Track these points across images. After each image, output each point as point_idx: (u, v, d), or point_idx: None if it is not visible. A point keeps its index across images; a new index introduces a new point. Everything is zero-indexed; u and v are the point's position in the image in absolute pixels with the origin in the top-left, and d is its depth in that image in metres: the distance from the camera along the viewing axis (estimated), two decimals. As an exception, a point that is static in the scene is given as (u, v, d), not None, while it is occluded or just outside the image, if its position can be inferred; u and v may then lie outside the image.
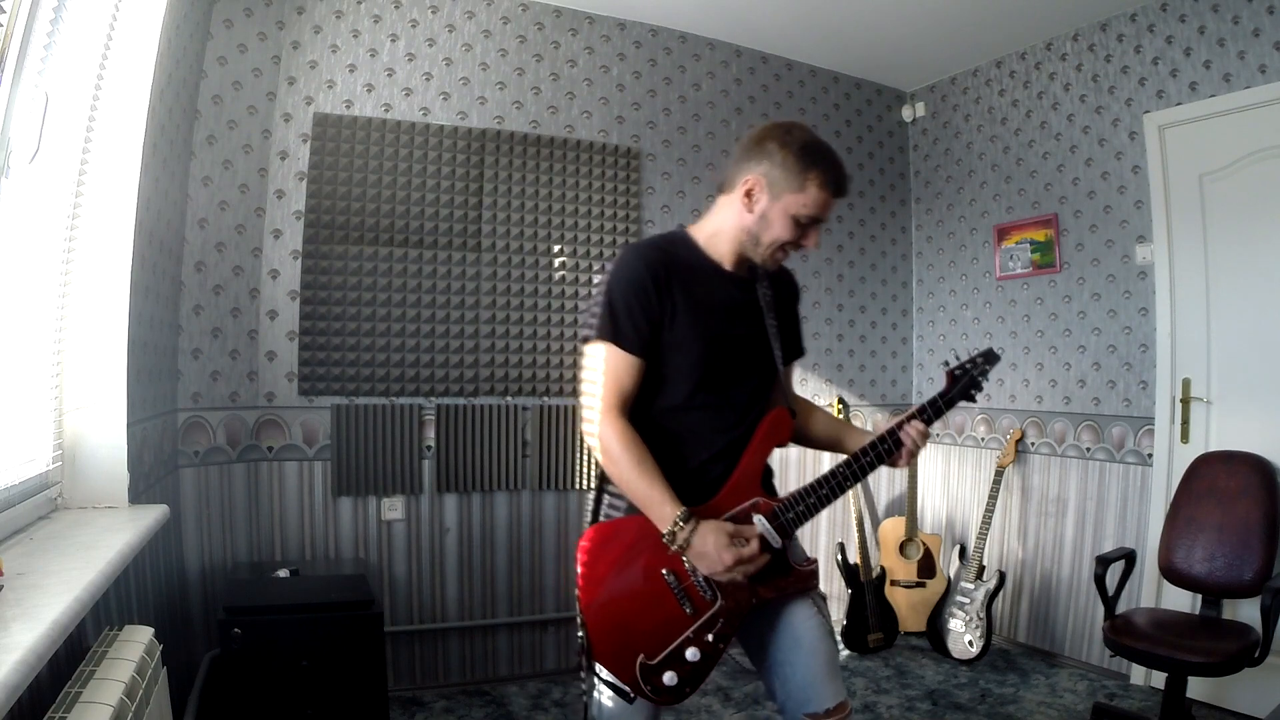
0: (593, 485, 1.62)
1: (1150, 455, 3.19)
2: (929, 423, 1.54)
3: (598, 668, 1.45)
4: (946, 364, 1.60)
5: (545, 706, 2.97)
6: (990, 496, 3.56)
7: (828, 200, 1.47)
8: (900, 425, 1.52)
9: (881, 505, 4.13)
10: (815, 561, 1.55)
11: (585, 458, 3.30)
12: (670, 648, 1.43)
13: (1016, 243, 3.78)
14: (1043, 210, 3.67)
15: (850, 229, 4.14)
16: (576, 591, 1.48)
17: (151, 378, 2.31)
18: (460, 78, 3.22)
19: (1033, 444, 3.67)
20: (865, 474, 1.53)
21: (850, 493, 3.84)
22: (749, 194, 1.49)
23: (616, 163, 3.48)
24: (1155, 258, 3.20)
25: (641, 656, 1.42)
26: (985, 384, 1.60)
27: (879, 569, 3.73)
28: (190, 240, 2.75)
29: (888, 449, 1.53)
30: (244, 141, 2.86)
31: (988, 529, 3.52)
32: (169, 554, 2.45)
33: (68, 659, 1.33)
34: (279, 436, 2.90)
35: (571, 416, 3.28)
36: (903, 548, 3.76)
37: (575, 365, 3.33)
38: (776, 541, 1.46)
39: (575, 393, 3.31)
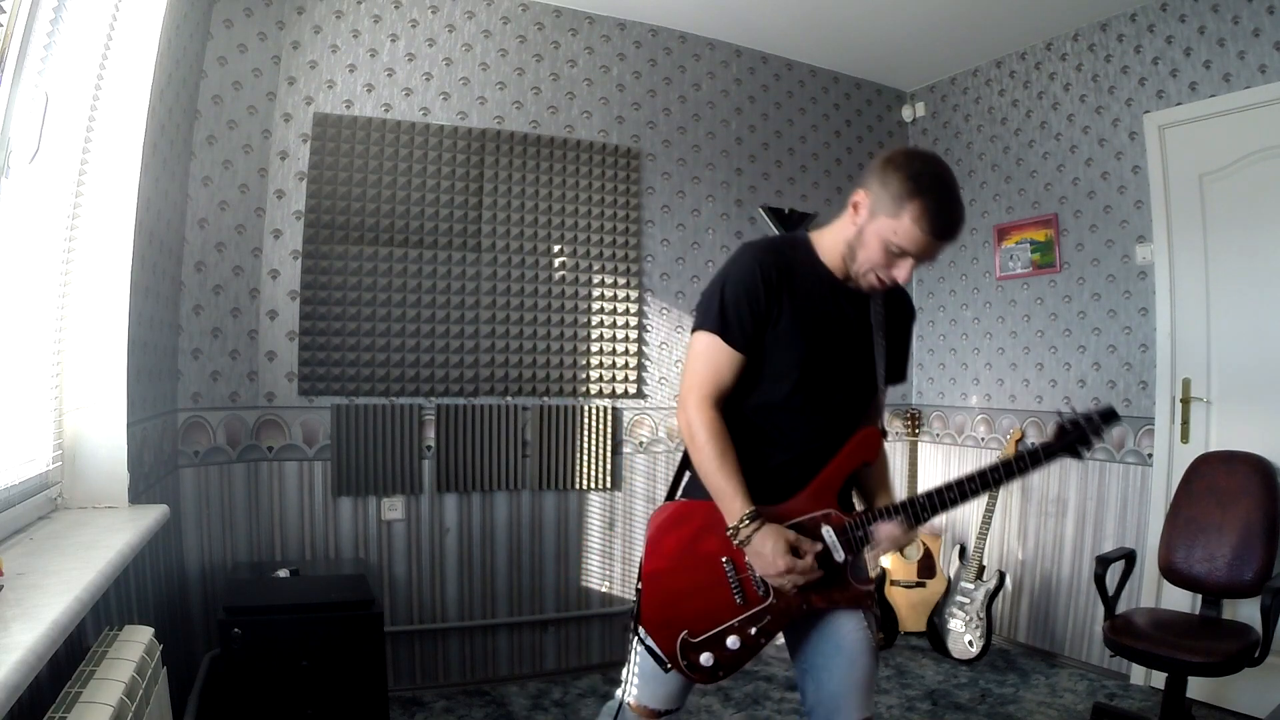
0: (677, 464, 1.66)
1: (1150, 455, 3.19)
2: (1025, 471, 1.48)
3: (643, 632, 1.51)
4: (1060, 414, 1.50)
5: (545, 706, 2.97)
6: (990, 496, 3.56)
7: (922, 238, 1.38)
8: (999, 470, 1.48)
9: (881, 505, 4.12)
10: (874, 581, 1.59)
11: (585, 458, 3.31)
12: (714, 631, 1.49)
13: (1016, 243, 3.78)
14: (1043, 210, 3.67)
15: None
16: (640, 559, 1.55)
17: (151, 378, 2.31)
18: (460, 78, 3.22)
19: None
20: (949, 507, 1.49)
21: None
22: (855, 207, 1.49)
23: (616, 163, 3.48)
24: (1155, 258, 3.20)
25: (685, 633, 1.49)
26: (1099, 444, 1.51)
27: (879, 569, 3.72)
28: (190, 240, 2.75)
29: (980, 486, 1.48)
30: (244, 141, 2.86)
31: (988, 529, 3.52)
32: (169, 554, 2.45)
33: (68, 659, 1.33)
34: (279, 436, 2.90)
35: (572, 415, 3.28)
36: (903, 548, 3.76)
37: (575, 365, 3.33)
38: (840, 555, 1.49)
39: (575, 393, 3.32)
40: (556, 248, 3.33)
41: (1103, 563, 2.66)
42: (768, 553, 1.43)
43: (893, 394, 4.17)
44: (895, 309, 1.64)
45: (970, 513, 3.94)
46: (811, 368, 1.52)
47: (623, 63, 3.55)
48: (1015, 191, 3.80)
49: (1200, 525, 2.72)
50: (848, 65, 4.05)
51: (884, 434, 1.61)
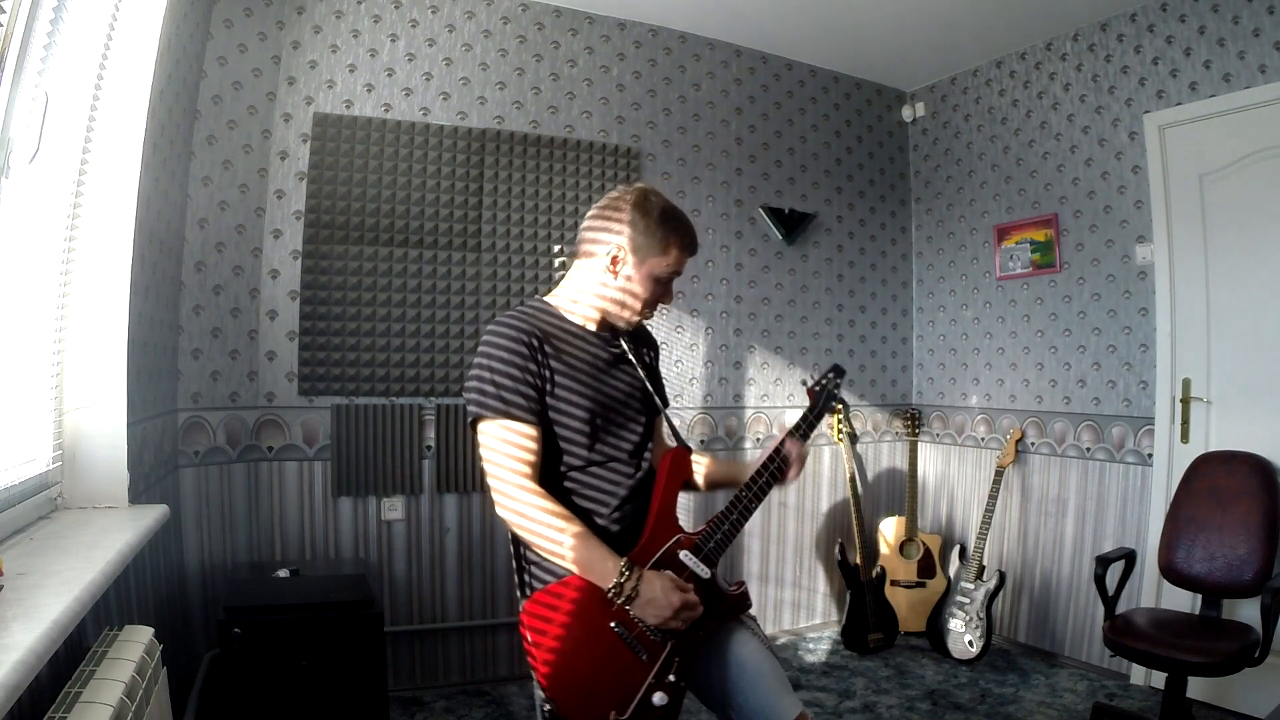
0: (512, 559, 1.63)
1: (1150, 455, 3.19)
2: (804, 438, 1.65)
3: None
4: (804, 383, 1.77)
5: (545, 706, 2.96)
6: (990, 496, 3.56)
7: (685, 259, 1.60)
8: (780, 445, 1.62)
9: (881, 505, 4.13)
10: (743, 583, 1.61)
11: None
12: (638, 698, 1.43)
13: (1016, 243, 3.78)
14: (1043, 210, 3.67)
15: (850, 229, 4.14)
16: (532, 670, 1.46)
17: (151, 378, 2.31)
18: (460, 78, 3.22)
19: (1033, 444, 3.67)
20: (764, 494, 1.60)
21: (850, 494, 3.85)
22: (615, 260, 1.56)
23: (616, 163, 3.48)
24: (1155, 258, 3.20)
25: (614, 714, 1.42)
26: (839, 394, 1.75)
27: (879, 569, 3.73)
28: (190, 240, 2.75)
29: (779, 467, 1.62)
30: (244, 141, 2.86)
31: (988, 529, 3.52)
32: (169, 554, 2.45)
33: (68, 659, 1.33)
34: (279, 436, 2.90)
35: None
36: (903, 548, 3.76)
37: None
38: (706, 573, 1.52)
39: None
40: (556, 248, 3.33)
41: (1103, 563, 2.66)
42: (658, 594, 1.41)
43: (893, 394, 4.23)
44: (643, 343, 1.75)
45: (970, 513, 3.94)
46: (599, 417, 1.55)
47: (623, 63, 3.55)
48: (1015, 191, 3.80)
49: (1200, 525, 2.72)
50: (848, 65, 4.05)
51: (688, 449, 1.65)
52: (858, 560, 3.71)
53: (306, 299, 2.93)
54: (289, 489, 2.91)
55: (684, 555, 1.52)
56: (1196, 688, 2.77)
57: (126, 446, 1.91)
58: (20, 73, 1.45)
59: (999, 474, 3.60)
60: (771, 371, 3.86)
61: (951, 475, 4.09)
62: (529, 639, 1.46)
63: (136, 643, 1.44)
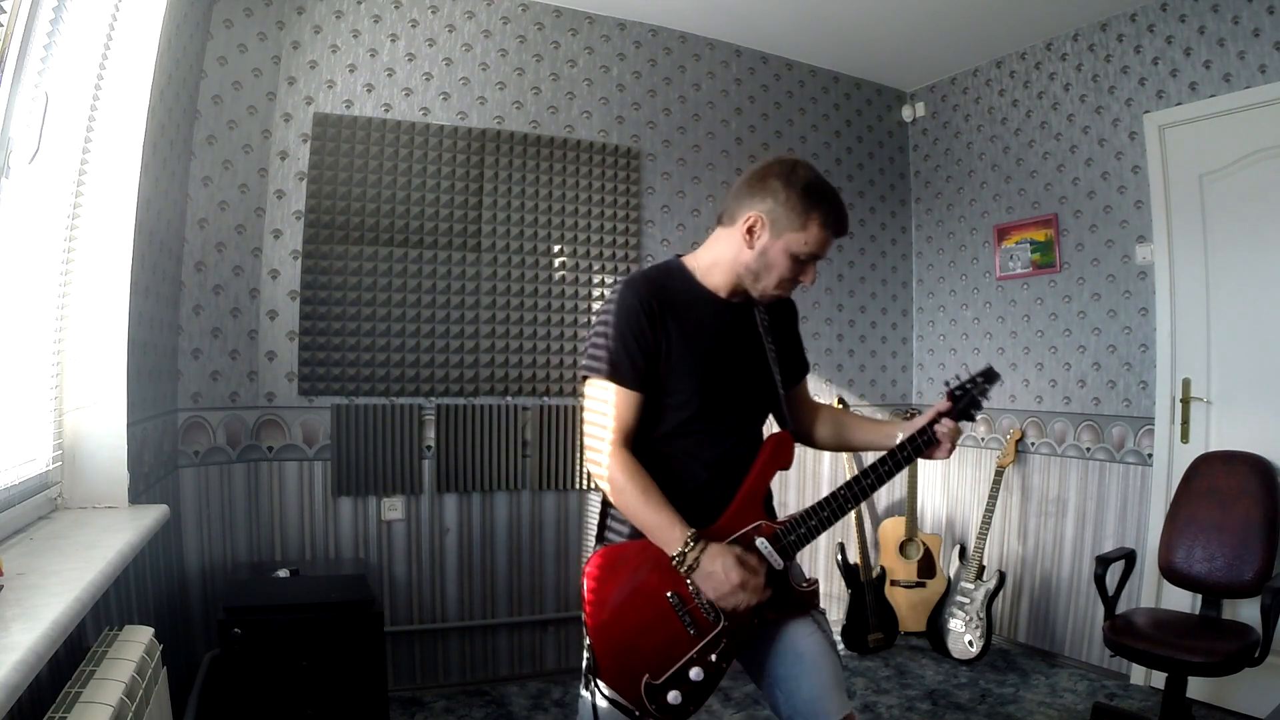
0: (597, 511, 1.63)
1: (1150, 455, 3.19)
2: (929, 444, 1.56)
3: (603, 686, 1.46)
4: (947, 384, 1.61)
5: (545, 706, 2.97)
6: (990, 496, 3.56)
7: (828, 239, 1.51)
8: (928, 427, 1.55)
9: (881, 505, 4.13)
10: (816, 581, 1.57)
11: (584, 460, 3.30)
12: (674, 668, 1.45)
13: (1016, 243, 3.78)
14: (1043, 210, 3.67)
15: (850, 229, 4.13)
16: (583, 614, 1.50)
17: (151, 378, 2.31)
18: (460, 78, 3.22)
19: (1033, 444, 3.67)
20: (868, 494, 1.54)
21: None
22: (750, 230, 1.50)
23: (616, 163, 3.48)
24: (1155, 258, 3.20)
25: (647, 676, 1.44)
26: (986, 403, 1.61)
27: (879, 569, 3.73)
28: (190, 240, 2.75)
29: (906, 455, 1.55)
30: (244, 141, 2.86)
31: (988, 529, 3.52)
32: (169, 554, 2.45)
33: (68, 659, 1.33)
34: (279, 436, 2.90)
35: (572, 416, 3.28)
36: (903, 548, 3.76)
37: (575, 365, 3.32)
38: (779, 564, 1.49)
39: (575, 392, 3.31)
40: (556, 248, 3.33)
41: (1103, 563, 2.66)
42: (719, 570, 1.41)
43: (893, 394, 4.23)
44: (778, 312, 1.69)
45: (970, 513, 3.94)
46: (711, 389, 1.52)
47: (623, 63, 3.55)
48: (1015, 191, 3.80)
49: (1200, 525, 2.72)
50: (848, 65, 4.05)
51: (794, 435, 1.61)
52: (858, 560, 3.71)
53: (306, 299, 2.93)
54: (289, 489, 2.91)
55: (760, 542, 1.49)
56: (1196, 688, 2.77)
57: (126, 446, 1.91)
58: (20, 73, 1.45)
59: (999, 474, 3.60)
60: (771, 371, 3.86)
61: (951, 475, 4.09)
62: (587, 589, 1.49)
63: (136, 643, 1.44)
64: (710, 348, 1.54)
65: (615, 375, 1.48)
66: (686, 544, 1.41)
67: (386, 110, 3.09)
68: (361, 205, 3.01)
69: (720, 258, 1.56)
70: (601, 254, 3.41)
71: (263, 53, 2.90)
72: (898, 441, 1.57)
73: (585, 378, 1.53)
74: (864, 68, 4.08)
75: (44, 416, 1.77)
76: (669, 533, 1.43)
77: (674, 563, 1.43)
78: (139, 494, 2.03)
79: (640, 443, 1.52)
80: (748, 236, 1.50)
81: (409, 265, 3.07)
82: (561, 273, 3.32)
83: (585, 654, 1.48)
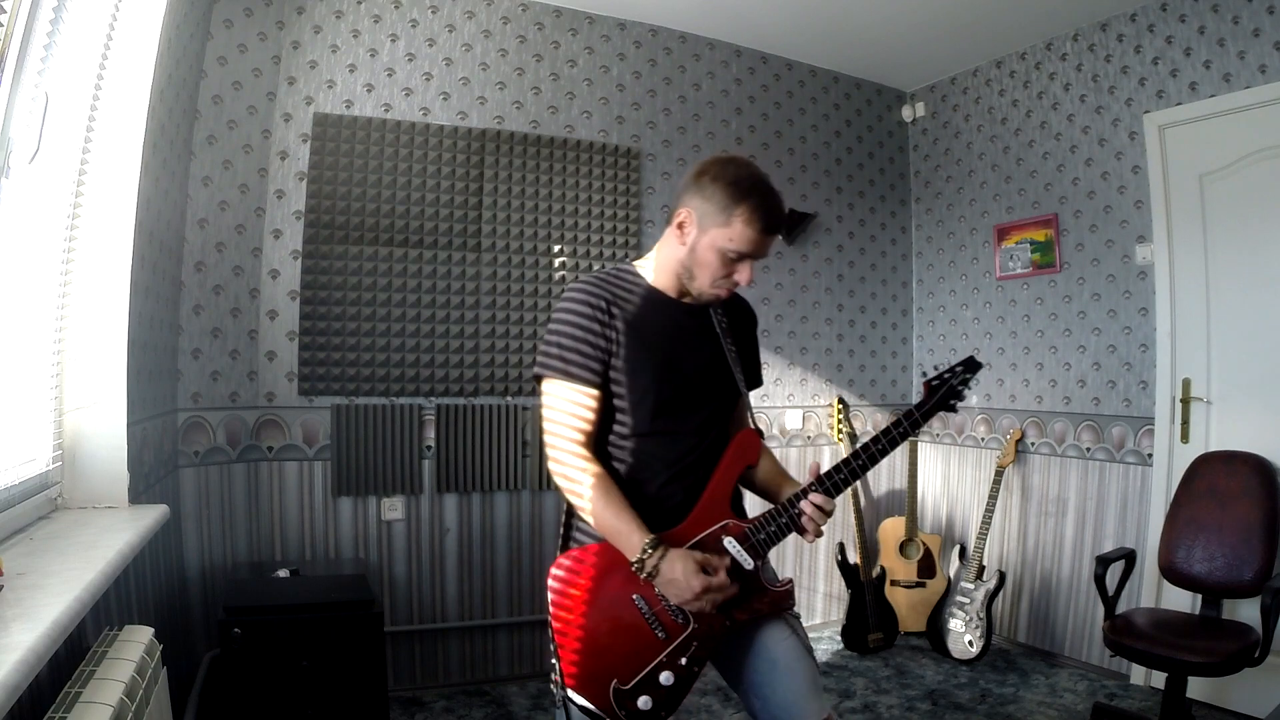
0: (562, 515, 1.63)
1: (1150, 455, 3.19)
2: (905, 437, 1.47)
3: (572, 693, 1.44)
4: (924, 375, 1.53)
5: (545, 706, 2.97)
6: (990, 496, 3.56)
7: (756, 237, 1.43)
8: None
9: (881, 505, 4.13)
10: (790, 581, 1.54)
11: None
12: (644, 672, 1.42)
13: (1016, 243, 3.78)
14: (1043, 210, 3.67)
15: (850, 229, 4.14)
16: (549, 619, 1.47)
17: (151, 378, 2.31)
18: (460, 78, 3.22)
19: (1033, 444, 3.67)
20: (867, 468, 1.49)
21: (850, 494, 3.84)
22: (680, 226, 1.48)
23: (616, 163, 3.48)
24: (1155, 258, 3.20)
25: (615, 682, 1.42)
26: (967, 394, 1.53)
27: (879, 569, 3.73)
28: (190, 240, 2.75)
29: (863, 465, 1.48)
30: (244, 141, 2.86)
31: (988, 529, 3.52)
32: (169, 554, 2.45)
33: (68, 659, 1.33)
34: (279, 436, 2.90)
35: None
36: (903, 548, 3.76)
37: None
38: (748, 563, 1.46)
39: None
40: (556, 248, 3.33)
41: (1103, 563, 2.66)
42: (679, 577, 1.38)
43: (893, 394, 4.23)
44: (736, 316, 1.66)
45: (970, 513, 3.94)
46: (666, 389, 1.50)
47: (623, 63, 3.55)
48: (1015, 191, 3.80)
49: (1200, 525, 2.72)
50: (848, 65, 4.05)
51: (760, 434, 1.57)
52: (858, 560, 3.71)
53: (306, 299, 2.93)
54: (289, 489, 2.91)
55: (728, 542, 1.46)
56: (1196, 688, 2.77)
57: (126, 446, 1.91)
58: (20, 73, 1.45)
59: (999, 474, 3.60)
60: (771, 371, 3.86)
61: (951, 475, 4.09)
62: (552, 593, 1.47)
63: (136, 643, 1.44)
64: (663, 347, 1.51)
65: (569, 373, 1.48)
66: (645, 551, 1.38)
67: (386, 110, 3.09)
68: (361, 205, 3.01)
69: (666, 258, 1.54)
70: (601, 254, 3.41)
71: (263, 53, 2.90)
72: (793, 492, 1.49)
73: (539, 378, 1.53)
74: (864, 68, 4.08)
75: (44, 416, 1.77)
76: (628, 539, 1.41)
77: (633, 569, 1.41)
78: (139, 494, 2.03)
79: (600, 445, 1.51)
80: (678, 233, 1.49)
81: (409, 265, 3.07)
82: (561, 273, 3.32)
83: (552, 660, 1.45)
